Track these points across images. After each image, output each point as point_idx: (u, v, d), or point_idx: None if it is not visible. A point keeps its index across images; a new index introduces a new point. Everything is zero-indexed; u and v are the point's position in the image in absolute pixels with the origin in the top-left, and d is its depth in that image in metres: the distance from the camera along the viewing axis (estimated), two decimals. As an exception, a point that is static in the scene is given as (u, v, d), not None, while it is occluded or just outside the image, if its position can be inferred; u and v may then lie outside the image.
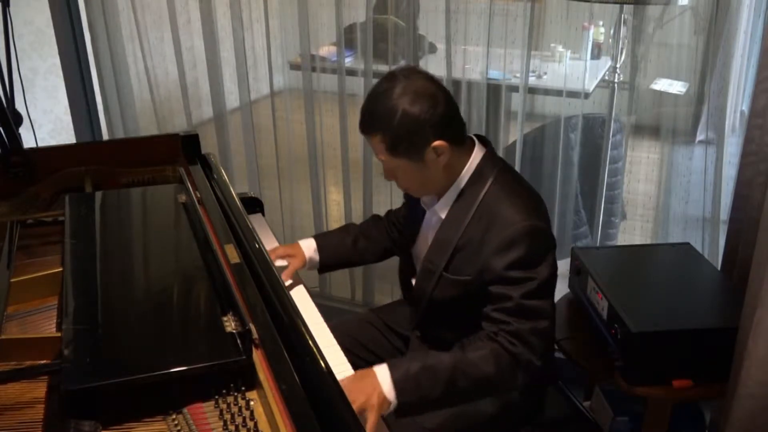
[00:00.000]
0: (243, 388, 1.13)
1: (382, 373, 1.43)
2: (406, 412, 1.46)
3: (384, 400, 1.40)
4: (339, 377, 1.16)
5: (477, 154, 1.59)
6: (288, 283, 1.79)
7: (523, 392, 1.68)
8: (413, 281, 1.75)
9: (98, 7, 2.89)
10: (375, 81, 2.54)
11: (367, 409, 1.37)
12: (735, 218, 1.93)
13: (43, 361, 1.22)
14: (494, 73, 2.48)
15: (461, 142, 1.57)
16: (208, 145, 2.45)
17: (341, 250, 1.91)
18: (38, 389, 1.16)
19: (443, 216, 1.61)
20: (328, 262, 1.91)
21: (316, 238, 1.92)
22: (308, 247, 1.89)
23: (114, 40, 2.93)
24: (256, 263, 1.46)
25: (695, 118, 2.46)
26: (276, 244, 1.96)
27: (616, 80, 2.36)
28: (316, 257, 1.89)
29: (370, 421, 1.35)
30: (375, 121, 1.50)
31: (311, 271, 1.93)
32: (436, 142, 1.49)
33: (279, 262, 1.82)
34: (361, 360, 1.79)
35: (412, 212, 1.79)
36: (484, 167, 1.58)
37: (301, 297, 1.78)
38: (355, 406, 1.34)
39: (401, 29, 2.55)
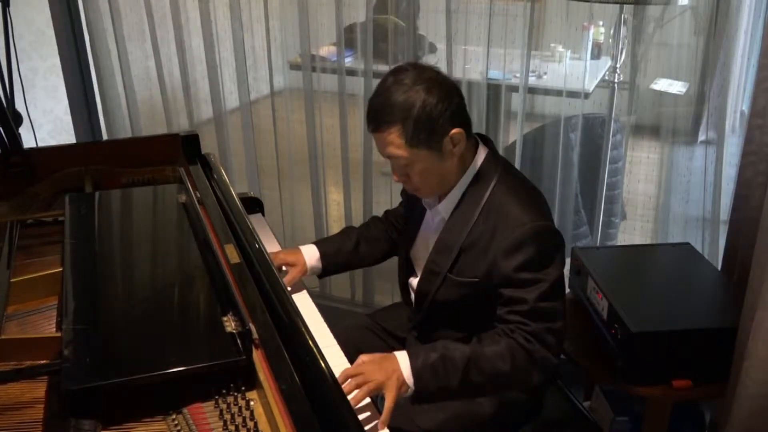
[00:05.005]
0: (243, 388, 1.14)
1: (402, 358, 1.44)
2: (422, 399, 1.47)
3: (403, 383, 1.41)
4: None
5: (480, 154, 1.59)
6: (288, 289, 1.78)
7: (524, 392, 1.68)
8: (412, 282, 1.75)
9: (104, 7, 2.89)
10: (375, 81, 2.56)
11: (385, 387, 1.38)
12: (735, 218, 1.93)
13: (43, 361, 1.22)
14: (494, 73, 2.48)
15: (470, 134, 1.57)
16: (208, 145, 2.45)
17: (342, 256, 1.89)
18: (38, 389, 1.16)
19: (446, 217, 1.61)
20: (329, 269, 1.89)
21: (318, 245, 1.89)
22: (311, 255, 1.85)
23: (120, 40, 2.93)
24: (256, 263, 1.46)
25: (696, 118, 2.46)
26: (276, 244, 1.96)
27: (616, 80, 2.36)
28: (319, 265, 1.86)
29: (388, 400, 1.37)
30: (393, 113, 1.46)
31: (311, 276, 1.90)
32: (454, 130, 1.48)
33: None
34: None
35: (410, 213, 1.78)
36: (488, 167, 1.58)
37: (301, 298, 1.77)
38: (373, 384, 1.36)
39: (401, 29, 2.55)
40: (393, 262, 1.98)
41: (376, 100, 1.50)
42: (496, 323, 1.53)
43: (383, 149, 1.51)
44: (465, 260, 1.57)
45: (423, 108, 1.44)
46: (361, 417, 1.34)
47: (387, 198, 2.79)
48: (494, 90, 2.55)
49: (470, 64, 2.52)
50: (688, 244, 2.14)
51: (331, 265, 1.88)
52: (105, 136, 3.17)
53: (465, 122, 1.53)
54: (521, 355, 1.47)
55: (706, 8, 2.18)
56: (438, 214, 1.63)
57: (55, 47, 2.99)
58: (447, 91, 1.48)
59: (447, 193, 1.60)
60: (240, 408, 1.10)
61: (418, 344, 1.72)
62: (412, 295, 1.75)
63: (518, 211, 1.50)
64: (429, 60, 2.71)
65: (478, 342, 1.50)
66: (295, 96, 2.91)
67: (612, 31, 2.43)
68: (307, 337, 1.22)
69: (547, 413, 1.75)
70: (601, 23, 2.96)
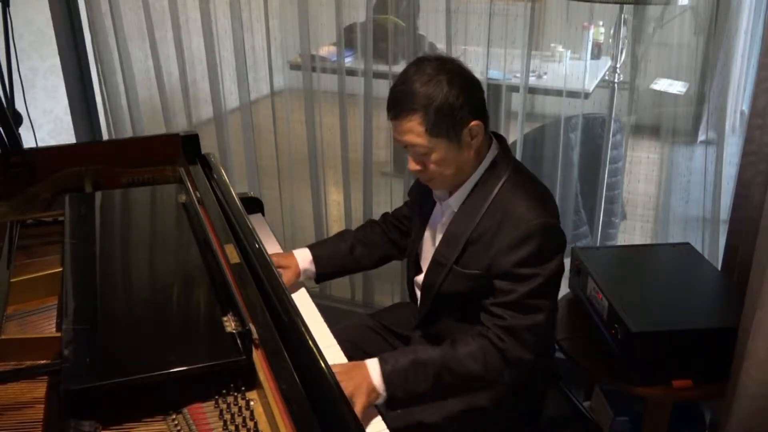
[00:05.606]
0: (243, 388, 1.13)
1: (372, 365, 1.47)
2: (396, 404, 1.49)
3: (373, 389, 1.44)
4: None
5: (493, 150, 1.60)
6: None
7: (523, 392, 1.68)
8: (418, 279, 1.75)
9: (105, 7, 2.89)
10: (375, 81, 2.56)
11: (355, 395, 1.40)
12: (735, 218, 1.93)
13: (43, 361, 1.22)
14: (494, 73, 2.48)
15: (487, 128, 1.58)
16: (208, 145, 2.45)
17: (337, 260, 1.89)
18: (38, 389, 1.16)
19: (456, 209, 1.61)
20: (324, 272, 1.89)
21: (311, 248, 1.89)
22: (303, 258, 1.85)
23: (122, 40, 2.93)
24: (256, 263, 1.46)
25: (696, 118, 2.46)
26: (276, 244, 1.96)
27: (616, 80, 2.36)
28: (312, 268, 1.86)
29: (357, 407, 1.39)
30: (415, 101, 1.47)
31: (308, 281, 1.90)
32: (473, 122, 1.50)
33: None
34: None
35: (417, 211, 1.78)
36: (499, 163, 1.59)
37: (301, 297, 1.78)
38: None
39: (401, 29, 2.55)
40: (393, 262, 1.98)
41: (399, 88, 1.51)
42: (481, 314, 1.54)
43: (402, 136, 1.52)
44: (471, 253, 1.58)
45: (445, 98, 1.46)
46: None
47: (387, 198, 2.79)
48: (494, 90, 2.55)
49: (470, 64, 2.51)
50: (688, 244, 2.14)
51: (325, 268, 1.88)
52: (105, 136, 3.17)
53: (484, 115, 1.54)
54: (493, 355, 1.49)
55: (706, 8, 2.18)
56: (448, 207, 1.64)
57: (55, 47, 2.99)
58: (468, 84, 1.50)
59: (459, 186, 1.60)
60: (240, 408, 1.10)
61: (423, 342, 1.73)
62: (418, 293, 1.75)
63: (524, 209, 1.51)
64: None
65: (450, 344, 1.52)
66: (295, 96, 2.91)
67: (612, 31, 2.43)
68: (307, 337, 1.22)
69: (548, 413, 1.76)
70: (601, 23, 2.96)
